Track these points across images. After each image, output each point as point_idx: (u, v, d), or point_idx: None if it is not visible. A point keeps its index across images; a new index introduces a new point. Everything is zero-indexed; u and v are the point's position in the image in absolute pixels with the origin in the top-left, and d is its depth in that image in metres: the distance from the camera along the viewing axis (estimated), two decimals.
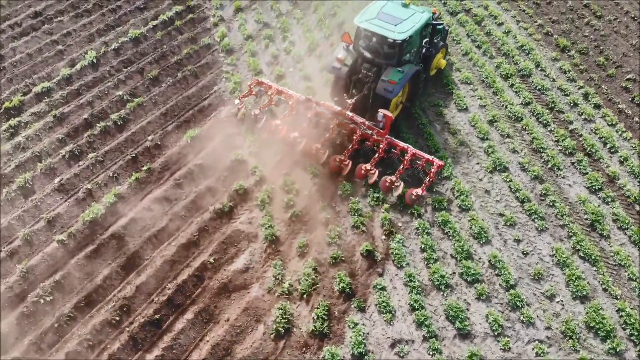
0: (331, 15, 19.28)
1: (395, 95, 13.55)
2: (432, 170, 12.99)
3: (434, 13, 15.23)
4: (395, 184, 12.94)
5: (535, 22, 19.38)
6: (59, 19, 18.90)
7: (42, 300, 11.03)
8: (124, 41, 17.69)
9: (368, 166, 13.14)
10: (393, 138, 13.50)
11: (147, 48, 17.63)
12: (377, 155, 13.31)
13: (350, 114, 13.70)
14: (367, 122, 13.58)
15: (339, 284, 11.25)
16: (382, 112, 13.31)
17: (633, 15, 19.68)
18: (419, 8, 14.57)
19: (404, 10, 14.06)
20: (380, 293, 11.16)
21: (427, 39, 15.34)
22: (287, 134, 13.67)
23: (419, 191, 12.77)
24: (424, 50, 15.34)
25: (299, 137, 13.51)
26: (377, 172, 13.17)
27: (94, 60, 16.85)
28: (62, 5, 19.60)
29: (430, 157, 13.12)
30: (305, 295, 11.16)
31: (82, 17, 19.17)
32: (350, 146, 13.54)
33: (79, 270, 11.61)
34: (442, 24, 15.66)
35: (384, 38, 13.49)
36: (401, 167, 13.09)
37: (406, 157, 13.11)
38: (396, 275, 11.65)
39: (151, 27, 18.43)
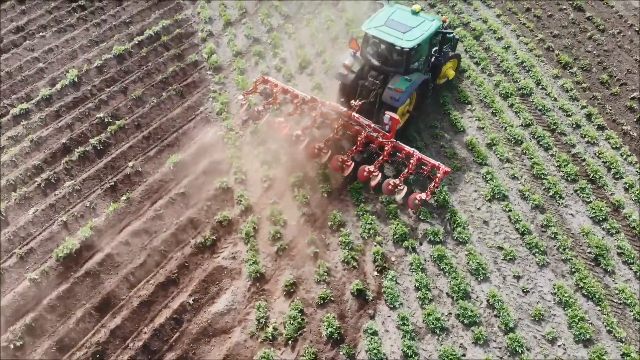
0: (324, 29, 18.59)
1: (401, 104, 13.24)
2: (438, 175, 12.49)
3: (444, 22, 14.76)
4: (399, 187, 12.49)
5: (536, 36, 18.66)
6: (41, 34, 18.20)
7: (12, 346, 10.35)
8: (107, 58, 16.98)
9: (371, 168, 12.74)
10: (398, 142, 13.05)
11: (131, 65, 16.91)
12: (381, 157, 12.93)
13: (356, 115, 13.34)
14: (372, 125, 13.24)
15: (327, 328, 10.53)
16: (388, 114, 12.88)
17: (637, 29, 18.95)
18: (428, 16, 14.14)
19: (414, 18, 13.75)
20: (372, 338, 10.44)
21: (437, 48, 14.90)
22: (290, 132, 13.26)
23: (423, 196, 12.30)
24: (432, 59, 14.91)
25: (301, 135, 13.11)
26: (380, 174, 12.71)
27: (76, 79, 16.14)
28: (45, 20, 18.90)
29: (437, 163, 12.70)
30: (290, 341, 10.44)
31: (65, 32, 18.46)
32: (354, 147, 13.18)
33: (51, 312, 10.92)
34: (452, 32, 15.13)
35: (392, 45, 13.17)
36: (406, 170, 12.72)
37: (411, 162, 12.69)
38: (389, 316, 10.94)
39: (136, 42, 17.71)
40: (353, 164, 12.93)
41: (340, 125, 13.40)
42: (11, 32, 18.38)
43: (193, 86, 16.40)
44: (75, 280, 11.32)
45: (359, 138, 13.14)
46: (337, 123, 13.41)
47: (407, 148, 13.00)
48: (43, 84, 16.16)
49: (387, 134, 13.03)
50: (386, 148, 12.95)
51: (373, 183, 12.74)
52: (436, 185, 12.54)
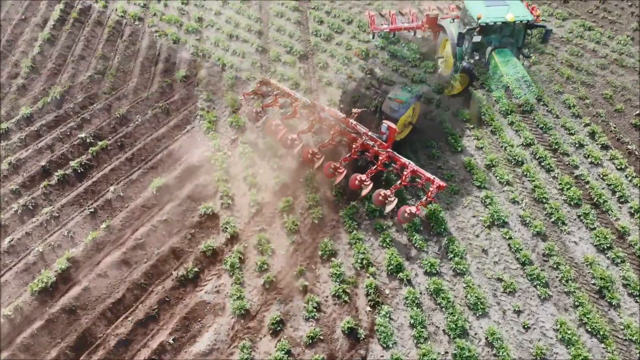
0: (322, 41, 17.96)
1: (401, 115, 12.95)
2: (431, 189, 12.02)
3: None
4: (389, 199, 11.97)
5: (537, 48, 17.99)
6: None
7: None
8: (91, 73, 16.34)
9: (363, 177, 12.30)
10: (394, 152, 12.63)
11: (116, 82, 16.26)
12: (375, 167, 12.51)
13: (354, 122, 12.99)
14: (370, 133, 12.87)
15: None
16: (386, 123, 12.53)
17: None
18: None
19: None
20: None
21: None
22: (286, 135, 13.02)
23: (413, 209, 11.81)
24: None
25: (296, 139, 12.92)
26: (371, 184, 12.22)
27: (58, 97, 15.50)
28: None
29: (431, 177, 12.19)
30: None
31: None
32: (348, 155, 12.80)
33: (24, 351, 10.32)
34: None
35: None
36: (398, 182, 12.31)
37: (405, 173, 12.24)
38: (382, 357, 10.31)
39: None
40: (345, 171, 12.45)
41: (336, 131, 12.96)
42: None
43: (180, 103, 15.78)
44: (51, 316, 10.70)
45: (354, 146, 12.71)
46: (334, 129, 13.01)
47: (403, 159, 12.54)
48: (24, 102, 15.52)
49: (384, 143, 12.55)
50: (381, 157, 12.51)
51: (364, 193, 12.25)
52: (428, 199, 12.00)
